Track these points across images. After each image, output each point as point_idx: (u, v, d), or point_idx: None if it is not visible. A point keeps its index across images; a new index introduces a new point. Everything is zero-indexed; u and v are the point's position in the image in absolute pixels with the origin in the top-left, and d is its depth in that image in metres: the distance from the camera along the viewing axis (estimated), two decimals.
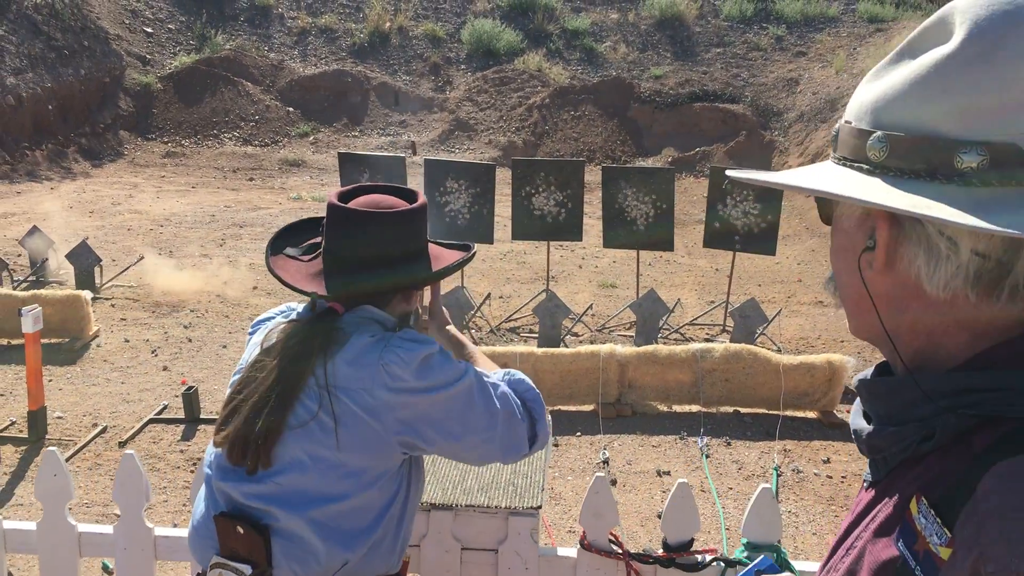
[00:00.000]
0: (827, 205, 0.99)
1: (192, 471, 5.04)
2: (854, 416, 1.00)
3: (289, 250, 1.88)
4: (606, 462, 5.17)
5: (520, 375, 1.88)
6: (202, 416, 5.71)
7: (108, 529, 2.55)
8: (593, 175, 13.20)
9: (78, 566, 2.57)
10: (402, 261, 1.78)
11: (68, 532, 2.53)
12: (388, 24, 19.41)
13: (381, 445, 1.67)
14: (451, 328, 2.09)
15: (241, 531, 1.68)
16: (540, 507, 2.26)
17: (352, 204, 1.79)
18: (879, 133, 0.87)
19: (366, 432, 1.65)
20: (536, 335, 7.42)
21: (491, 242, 7.96)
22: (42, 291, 7.25)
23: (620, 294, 9.02)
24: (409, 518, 1.81)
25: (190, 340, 7.21)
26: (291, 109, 17.83)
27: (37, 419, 5.36)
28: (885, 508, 0.91)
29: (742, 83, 17.89)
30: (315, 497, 1.66)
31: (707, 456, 5.32)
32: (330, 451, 1.65)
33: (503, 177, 9.90)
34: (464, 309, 7.43)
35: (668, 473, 5.09)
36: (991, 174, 0.80)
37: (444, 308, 2.14)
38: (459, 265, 1.90)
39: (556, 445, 5.41)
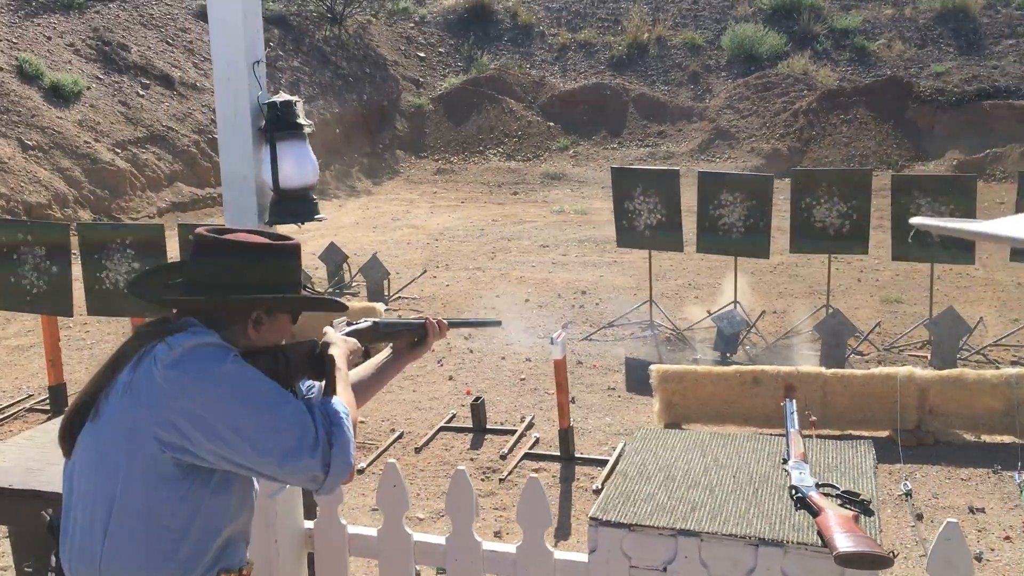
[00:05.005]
0: None
1: (483, 479, 5.24)
2: None
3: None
4: (908, 494, 4.81)
5: (338, 404, 1.79)
6: (488, 426, 5.94)
7: (440, 540, 2.69)
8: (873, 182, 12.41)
9: (412, 571, 2.72)
10: (248, 290, 1.82)
11: (404, 540, 2.70)
12: (647, 35, 19.40)
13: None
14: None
15: None
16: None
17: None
18: None
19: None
20: (817, 353, 7.07)
21: (767, 256, 7.70)
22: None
23: (906, 310, 8.41)
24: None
25: (471, 351, 7.54)
26: (551, 123, 18.27)
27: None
28: None
29: None
30: None
31: None
32: None
33: (775, 188, 9.55)
34: (737, 328, 7.23)
35: (983, 511, 4.65)
36: None
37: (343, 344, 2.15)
38: (308, 302, 1.98)
39: None
